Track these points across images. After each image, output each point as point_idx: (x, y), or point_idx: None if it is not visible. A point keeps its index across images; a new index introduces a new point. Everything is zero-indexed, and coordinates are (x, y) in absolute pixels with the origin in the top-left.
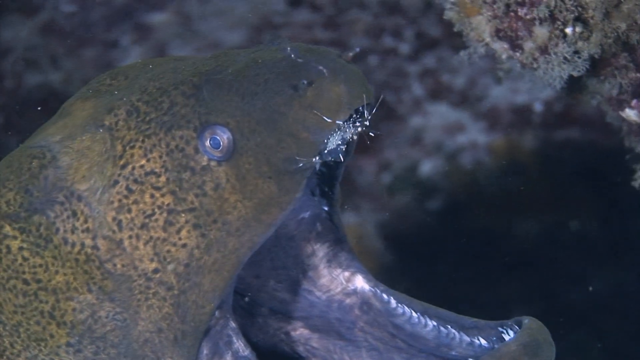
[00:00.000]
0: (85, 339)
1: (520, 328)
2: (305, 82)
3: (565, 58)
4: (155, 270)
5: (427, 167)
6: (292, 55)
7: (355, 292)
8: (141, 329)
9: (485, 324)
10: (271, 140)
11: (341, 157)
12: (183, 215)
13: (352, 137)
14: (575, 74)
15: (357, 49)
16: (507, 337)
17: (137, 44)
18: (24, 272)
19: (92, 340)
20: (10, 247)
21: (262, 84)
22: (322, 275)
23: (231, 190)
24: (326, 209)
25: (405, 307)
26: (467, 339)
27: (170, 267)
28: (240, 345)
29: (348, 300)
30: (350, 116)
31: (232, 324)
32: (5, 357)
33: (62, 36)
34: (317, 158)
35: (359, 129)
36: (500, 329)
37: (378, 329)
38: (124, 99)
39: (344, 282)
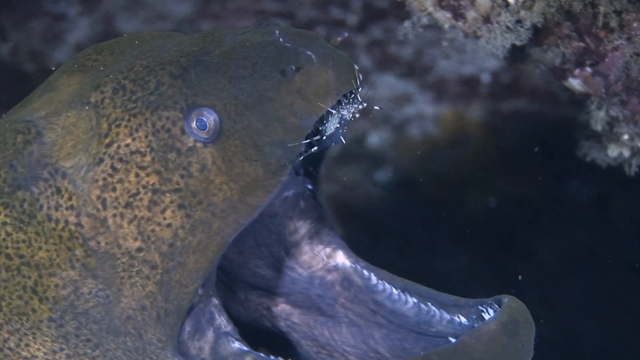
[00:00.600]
0: (68, 315)
1: (500, 307)
2: (294, 67)
3: (508, 27)
4: (139, 249)
5: (375, 138)
6: (281, 39)
7: (336, 268)
8: (124, 306)
9: (465, 302)
10: (258, 124)
11: (342, 139)
12: (168, 195)
13: (351, 118)
14: (518, 43)
15: (346, 34)
16: (486, 316)
17: (84, 16)
18: (7, 247)
19: (74, 316)
20: None
21: (249, 68)
22: (304, 252)
23: (217, 172)
24: (310, 187)
25: (386, 284)
26: (447, 316)
27: (154, 246)
28: (222, 321)
29: (329, 277)
30: (339, 101)
31: (215, 301)
32: None
33: (9, 9)
34: (318, 142)
35: (356, 111)
36: (480, 307)
37: (359, 305)
38: (110, 76)
39: (325, 258)
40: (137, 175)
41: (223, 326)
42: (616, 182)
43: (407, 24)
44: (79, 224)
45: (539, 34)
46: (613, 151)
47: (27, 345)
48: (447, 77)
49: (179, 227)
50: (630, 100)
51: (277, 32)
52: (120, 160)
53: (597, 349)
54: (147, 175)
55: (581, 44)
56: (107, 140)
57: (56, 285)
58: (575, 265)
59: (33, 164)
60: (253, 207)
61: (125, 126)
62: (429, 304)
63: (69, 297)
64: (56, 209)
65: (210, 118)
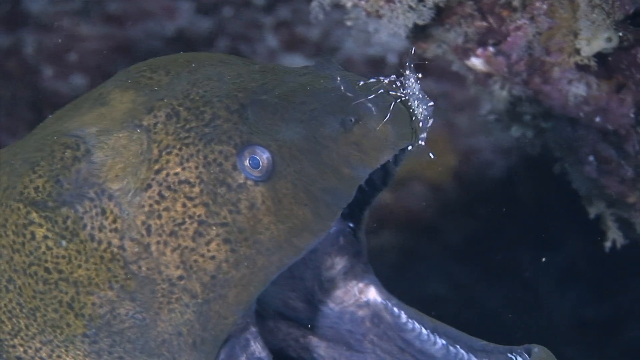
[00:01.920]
0: (102, 332)
1: (529, 356)
2: (353, 119)
3: (410, 6)
4: (180, 277)
5: None
6: (342, 88)
7: (367, 304)
8: (160, 330)
9: (493, 348)
10: (312, 170)
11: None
12: (214, 228)
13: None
14: (420, 22)
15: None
16: None
17: None
18: (46, 261)
19: (109, 334)
20: (35, 234)
21: (308, 113)
22: (338, 287)
23: (266, 211)
24: (351, 225)
25: (416, 323)
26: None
27: (195, 276)
28: (257, 347)
29: (360, 312)
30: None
31: (252, 329)
32: (19, 337)
33: None
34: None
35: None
36: (509, 354)
37: (387, 342)
38: (165, 100)
39: (358, 293)
40: (184, 205)
41: (257, 352)
42: (520, 161)
43: (314, 4)
44: (121, 247)
45: (441, 13)
46: (516, 131)
47: (59, 356)
48: (353, 58)
49: (223, 260)
50: (532, 80)
51: (338, 78)
52: (169, 188)
53: (498, 320)
54: (194, 206)
55: (484, 23)
56: (156, 167)
57: (93, 304)
58: (480, 243)
59: (80, 182)
60: (299, 248)
61: (177, 155)
62: (458, 346)
63: (105, 316)
64: (100, 230)
65: (263, 157)
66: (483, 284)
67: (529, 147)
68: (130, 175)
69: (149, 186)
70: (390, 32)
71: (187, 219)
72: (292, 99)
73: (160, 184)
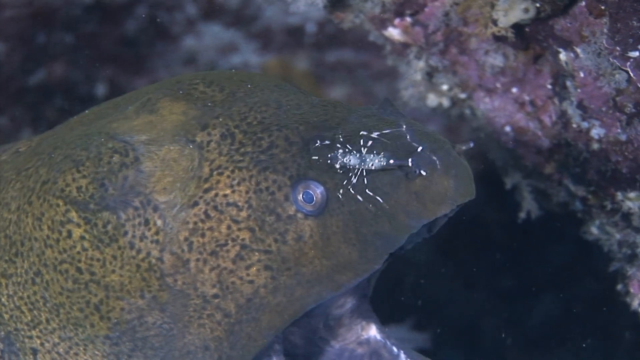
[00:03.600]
0: (126, 337)
1: None
2: (417, 170)
3: None
4: (215, 296)
5: None
6: (408, 137)
7: (367, 341)
8: (187, 341)
9: None
10: (367, 212)
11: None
12: (257, 254)
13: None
14: None
15: (471, 144)
16: None
17: None
18: (79, 261)
19: (131, 339)
20: (72, 232)
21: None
22: (343, 324)
23: (312, 245)
24: None
25: None
26: None
27: (231, 296)
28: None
29: (360, 350)
30: None
31: (276, 347)
32: (37, 330)
33: None
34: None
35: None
36: None
37: None
38: (220, 119)
39: (360, 330)
40: (229, 227)
41: None
42: (436, 130)
43: None
44: (160, 259)
45: None
46: (432, 101)
47: (76, 354)
48: (272, 27)
49: (262, 285)
50: (449, 50)
51: (404, 126)
52: (215, 208)
53: (416, 294)
54: (239, 230)
55: None
56: (206, 185)
57: (121, 309)
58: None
59: (126, 189)
60: (339, 285)
61: (228, 176)
62: None
63: (132, 322)
64: (140, 239)
65: (317, 192)
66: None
67: (444, 118)
68: (178, 190)
69: (196, 203)
70: (308, 2)
71: (230, 241)
72: (356, 140)
73: (208, 203)
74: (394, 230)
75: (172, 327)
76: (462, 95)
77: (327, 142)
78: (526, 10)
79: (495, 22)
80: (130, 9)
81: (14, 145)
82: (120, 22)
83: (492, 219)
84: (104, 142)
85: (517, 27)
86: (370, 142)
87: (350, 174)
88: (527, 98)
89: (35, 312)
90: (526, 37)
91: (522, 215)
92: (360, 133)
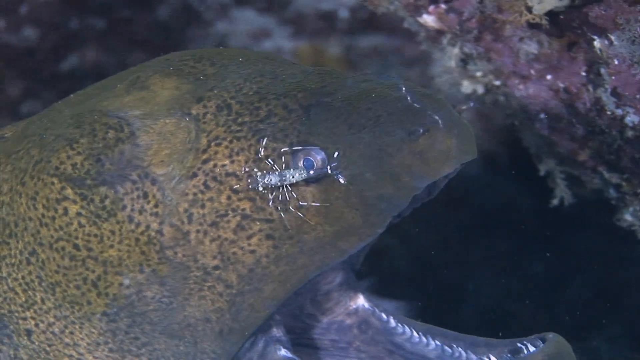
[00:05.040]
0: (124, 312)
1: (543, 343)
2: (421, 129)
3: None
4: (216, 267)
5: None
6: (409, 98)
7: (356, 311)
8: (187, 314)
9: (498, 342)
10: (370, 175)
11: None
12: (258, 223)
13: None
14: None
15: (471, 104)
16: (526, 351)
17: None
18: (76, 238)
19: (129, 314)
20: (68, 210)
21: (373, 120)
22: (332, 299)
23: (314, 212)
24: None
25: (406, 327)
26: (474, 357)
27: (232, 267)
28: (277, 332)
29: (348, 321)
30: None
31: (277, 317)
32: (32, 310)
33: None
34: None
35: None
36: (518, 344)
37: (375, 347)
38: (215, 91)
39: (348, 301)
40: (228, 197)
41: (277, 335)
42: (470, 117)
43: None
44: (159, 232)
45: None
46: (467, 88)
47: (71, 333)
48: (305, 12)
49: (264, 255)
50: (484, 37)
51: (404, 88)
52: (214, 179)
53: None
54: (239, 199)
55: None
56: (204, 157)
57: (120, 284)
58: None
59: (123, 164)
60: (343, 251)
61: (226, 147)
62: (454, 345)
63: (131, 297)
64: (140, 213)
65: (317, 158)
66: (431, 239)
67: (479, 104)
68: (175, 162)
69: (195, 175)
70: None
71: (230, 212)
72: (357, 104)
73: (207, 174)
74: (397, 192)
75: (172, 300)
76: (497, 82)
77: (329, 107)
78: None
79: (529, 10)
80: None
81: None
82: (152, 7)
83: (524, 205)
84: (97, 119)
85: (552, 15)
86: (370, 105)
87: (353, 138)
88: (561, 85)
89: (29, 292)
90: (560, 25)
91: (555, 202)
92: (360, 97)
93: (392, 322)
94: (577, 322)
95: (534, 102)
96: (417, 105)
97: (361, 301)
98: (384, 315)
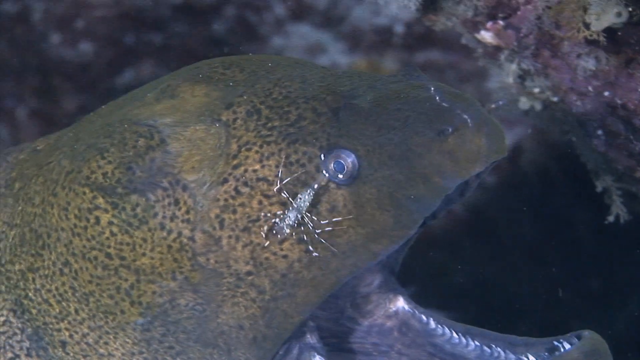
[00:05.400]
0: (157, 321)
1: (578, 340)
2: (450, 129)
3: None
4: (249, 273)
5: None
6: (437, 98)
7: (396, 313)
8: (220, 321)
9: (536, 341)
10: (400, 176)
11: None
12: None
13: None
14: None
15: (500, 102)
16: (562, 349)
17: None
18: (109, 247)
19: (163, 323)
20: (100, 219)
21: (402, 120)
22: (371, 301)
23: (346, 214)
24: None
25: (446, 328)
26: (513, 356)
27: (265, 273)
28: (311, 338)
29: (389, 323)
30: None
31: (311, 323)
32: (66, 322)
33: None
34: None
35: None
36: (555, 342)
37: (415, 350)
38: (245, 97)
39: (388, 304)
40: (260, 202)
41: (310, 340)
42: (527, 133)
43: None
44: (191, 238)
45: None
46: (524, 104)
47: (106, 343)
48: (361, 27)
49: (296, 260)
50: (541, 53)
51: (432, 88)
52: (245, 184)
53: (502, 290)
54: (271, 204)
55: None
56: (234, 162)
57: (153, 292)
58: (484, 213)
59: (154, 171)
60: (375, 254)
61: (257, 152)
62: (493, 345)
63: (164, 305)
64: (171, 220)
65: (348, 161)
66: (488, 253)
67: (536, 120)
68: (206, 168)
69: (226, 180)
70: (400, 5)
71: (262, 216)
72: (386, 105)
73: (238, 179)
74: (428, 193)
75: (205, 308)
76: (554, 99)
77: (358, 109)
78: (619, 15)
79: (587, 26)
80: (219, 10)
81: (30, 145)
82: (208, 22)
83: (580, 221)
84: (127, 128)
85: (609, 31)
86: (399, 106)
87: (383, 139)
88: (619, 102)
89: (63, 303)
90: (618, 41)
91: (611, 218)
92: (389, 98)
93: (432, 324)
94: (632, 340)
95: (592, 119)
96: (446, 105)
97: (401, 303)
98: (423, 317)
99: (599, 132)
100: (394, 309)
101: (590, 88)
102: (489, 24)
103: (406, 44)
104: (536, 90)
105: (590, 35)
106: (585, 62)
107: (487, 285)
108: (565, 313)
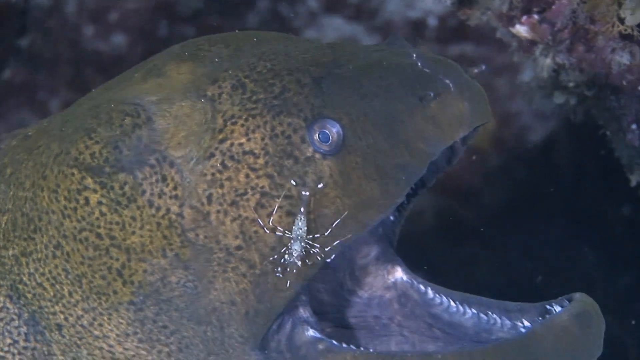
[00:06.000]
0: (150, 300)
1: (570, 302)
2: (432, 94)
3: None
4: (239, 247)
5: None
6: (419, 64)
7: (394, 284)
8: (212, 298)
9: (530, 306)
10: (385, 144)
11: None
12: (277, 200)
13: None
14: None
15: (483, 67)
16: (554, 313)
17: None
18: (99, 227)
19: (156, 302)
20: (89, 199)
21: (384, 87)
22: (369, 273)
23: (333, 185)
24: (392, 218)
25: (444, 297)
26: (508, 322)
27: (255, 247)
28: (304, 313)
29: (388, 295)
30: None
31: (303, 297)
32: (60, 304)
33: None
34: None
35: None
36: (547, 306)
37: (415, 321)
38: (230, 72)
39: (386, 275)
40: (247, 175)
41: (302, 314)
42: (561, 127)
43: None
44: (180, 215)
45: None
46: (559, 98)
47: (100, 325)
48: (394, 20)
49: (285, 233)
50: (576, 48)
51: (414, 55)
52: (232, 158)
53: (535, 289)
54: (258, 177)
55: None
56: (220, 136)
57: (144, 271)
58: (518, 208)
59: (141, 149)
60: (363, 224)
61: (242, 125)
62: (489, 312)
63: (156, 283)
64: (159, 197)
65: (333, 131)
66: (519, 248)
67: (570, 114)
68: (193, 144)
69: (212, 155)
70: None
71: (249, 190)
72: (368, 73)
73: (224, 154)
74: (413, 160)
75: (197, 284)
76: (589, 93)
77: (340, 78)
78: None
79: (622, 21)
80: (252, 2)
81: (22, 131)
82: (242, 15)
83: (613, 216)
84: (114, 108)
85: None
86: (382, 73)
87: (366, 107)
88: None
89: (57, 286)
90: None
91: None
92: (372, 66)
93: (430, 294)
94: None
95: (626, 113)
96: (428, 71)
97: (399, 274)
98: (422, 287)
99: (633, 126)
100: (392, 280)
101: (624, 82)
102: (524, 18)
103: (439, 37)
104: (571, 84)
105: (625, 30)
106: (620, 57)
107: (516, 278)
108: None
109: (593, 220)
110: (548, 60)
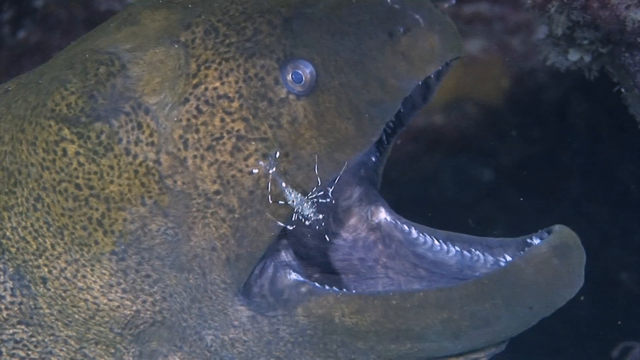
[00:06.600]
0: (131, 249)
1: (549, 234)
2: (402, 29)
3: None
4: (217, 192)
5: None
6: (389, 0)
7: (379, 225)
8: (193, 244)
9: (511, 241)
10: (357, 82)
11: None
12: (253, 143)
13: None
14: None
15: (453, 1)
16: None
17: None
18: (77, 177)
19: (137, 251)
20: (67, 150)
21: (354, 25)
22: (353, 214)
23: (307, 125)
24: (374, 159)
25: (427, 236)
26: (491, 258)
27: (233, 191)
28: (286, 256)
29: (372, 237)
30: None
31: (284, 241)
32: (44, 257)
33: None
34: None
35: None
36: (528, 240)
37: (400, 262)
38: (202, 17)
39: (370, 217)
40: (222, 119)
41: (285, 258)
42: (576, 85)
43: None
44: (157, 161)
45: None
46: (573, 55)
47: (83, 276)
48: None
49: (262, 175)
50: (590, 5)
51: None
52: (207, 102)
53: None
54: (233, 121)
55: None
56: (194, 81)
57: (124, 220)
58: (533, 166)
59: (115, 97)
60: (339, 163)
61: (215, 69)
62: (472, 249)
63: (136, 232)
64: (135, 144)
65: (306, 71)
66: (534, 206)
67: (585, 72)
68: (167, 90)
69: (187, 100)
70: None
71: (225, 134)
72: (338, 11)
73: (198, 98)
74: (386, 96)
75: (177, 231)
76: (603, 50)
77: (310, 18)
78: None
79: None
80: None
81: (2, 87)
82: None
83: (629, 174)
84: (89, 57)
85: None
86: (352, 10)
87: (337, 45)
88: None
89: (40, 239)
90: None
91: None
92: (341, 4)
93: (414, 233)
94: None
95: None
96: (397, 6)
97: (383, 215)
98: (405, 227)
99: None
100: (376, 221)
101: (639, 39)
102: None
103: None
104: (585, 41)
105: None
106: (634, 14)
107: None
108: (612, 266)
109: (608, 179)
110: (562, 18)
